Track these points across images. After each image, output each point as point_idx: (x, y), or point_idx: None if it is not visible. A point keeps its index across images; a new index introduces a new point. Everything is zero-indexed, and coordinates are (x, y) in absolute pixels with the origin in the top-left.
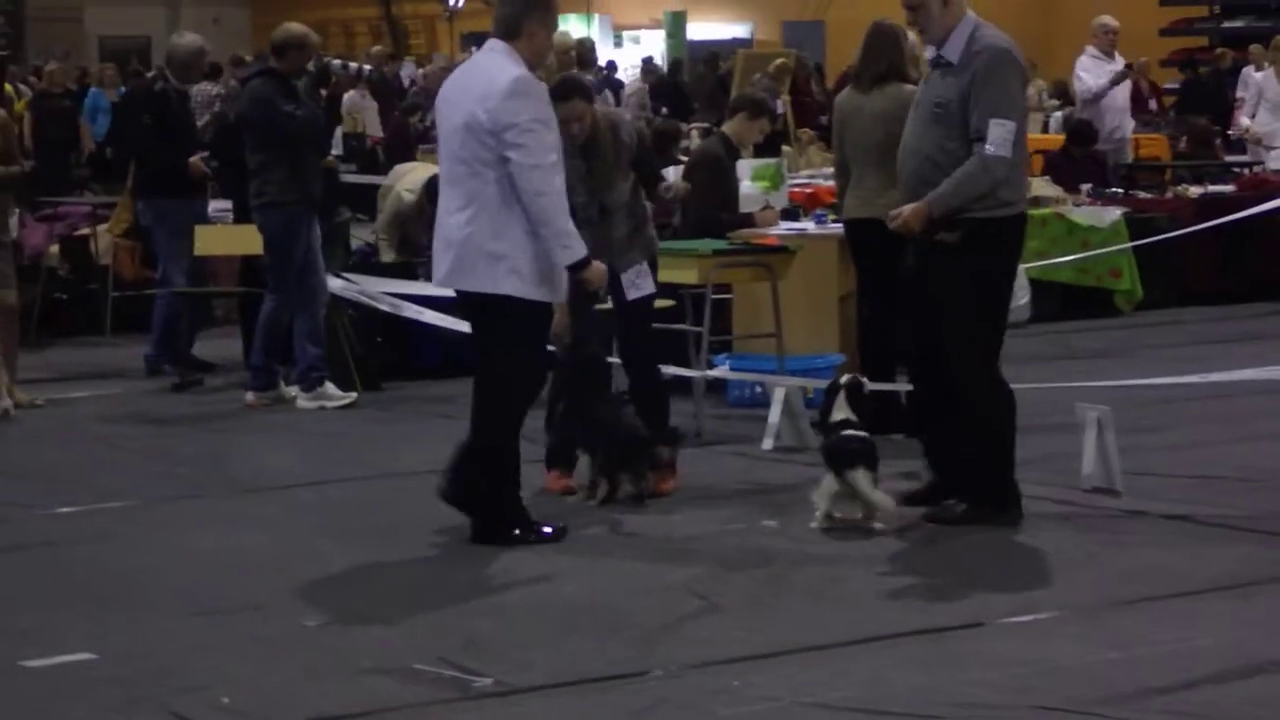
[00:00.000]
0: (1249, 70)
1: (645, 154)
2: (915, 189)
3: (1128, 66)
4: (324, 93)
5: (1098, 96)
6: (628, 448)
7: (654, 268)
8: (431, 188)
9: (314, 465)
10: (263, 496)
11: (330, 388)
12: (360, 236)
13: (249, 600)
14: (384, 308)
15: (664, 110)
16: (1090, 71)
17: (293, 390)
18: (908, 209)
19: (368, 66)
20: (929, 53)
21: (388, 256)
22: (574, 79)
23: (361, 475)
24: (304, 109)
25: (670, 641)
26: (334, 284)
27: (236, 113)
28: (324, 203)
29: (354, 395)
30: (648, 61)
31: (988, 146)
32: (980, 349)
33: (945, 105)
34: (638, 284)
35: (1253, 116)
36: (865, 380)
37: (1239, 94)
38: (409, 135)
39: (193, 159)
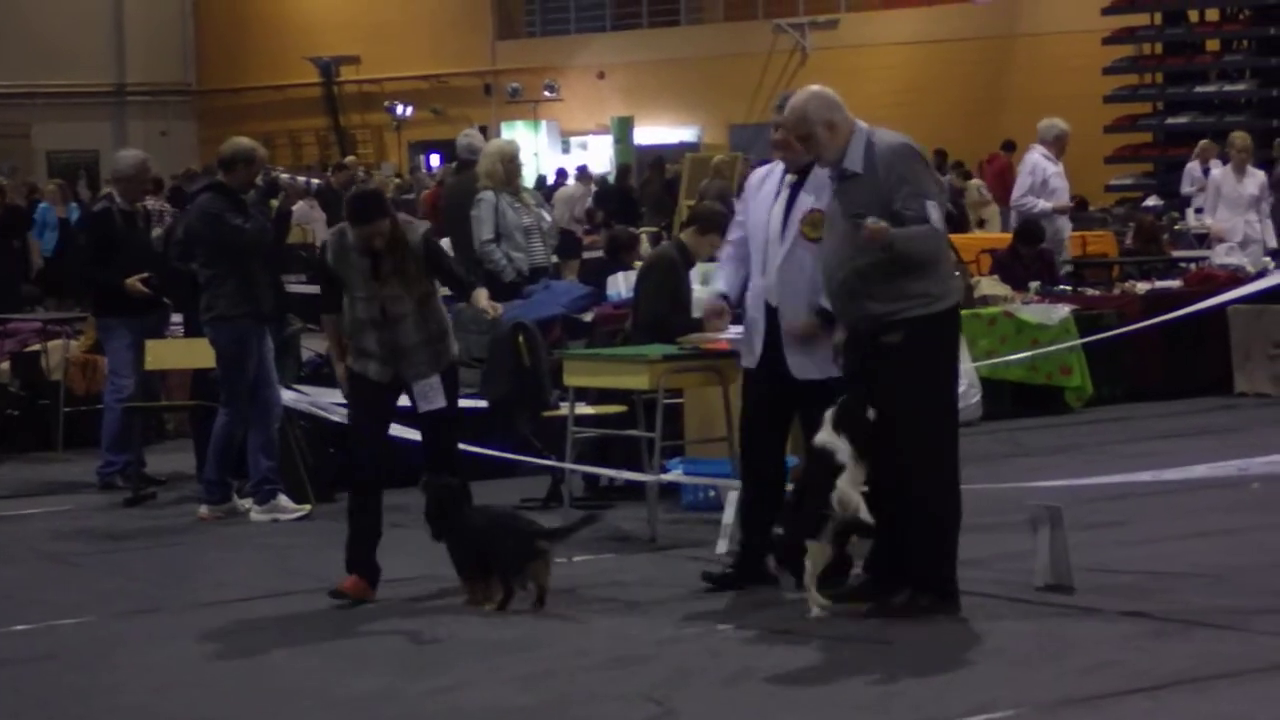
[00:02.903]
0: (1193, 166)
1: (439, 261)
2: (847, 303)
3: (1077, 201)
4: (274, 205)
5: (1039, 213)
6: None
7: (452, 381)
8: None
9: (269, 578)
10: (219, 610)
11: (283, 500)
12: (311, 347)
13: (207, 716)
14: (335, 419)
15: (604, 216)
16: (1038, 176)
17: (246, 503)
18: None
19: (315, 181)
20: (828, 172)
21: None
22: (370, 195)
23: (317, 587)
24: (252, 222)
25: None
26: (286, 395)
27: (185, 227)
28: (274, 315)
29: (308, 507)
30: (582, 170)
31: (931, 224)
32: (937, 446)
33: (863, 214)
34: (428, 397)
35: (1213, 213)
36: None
37: (1184, 189)
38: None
39: (129, 280)
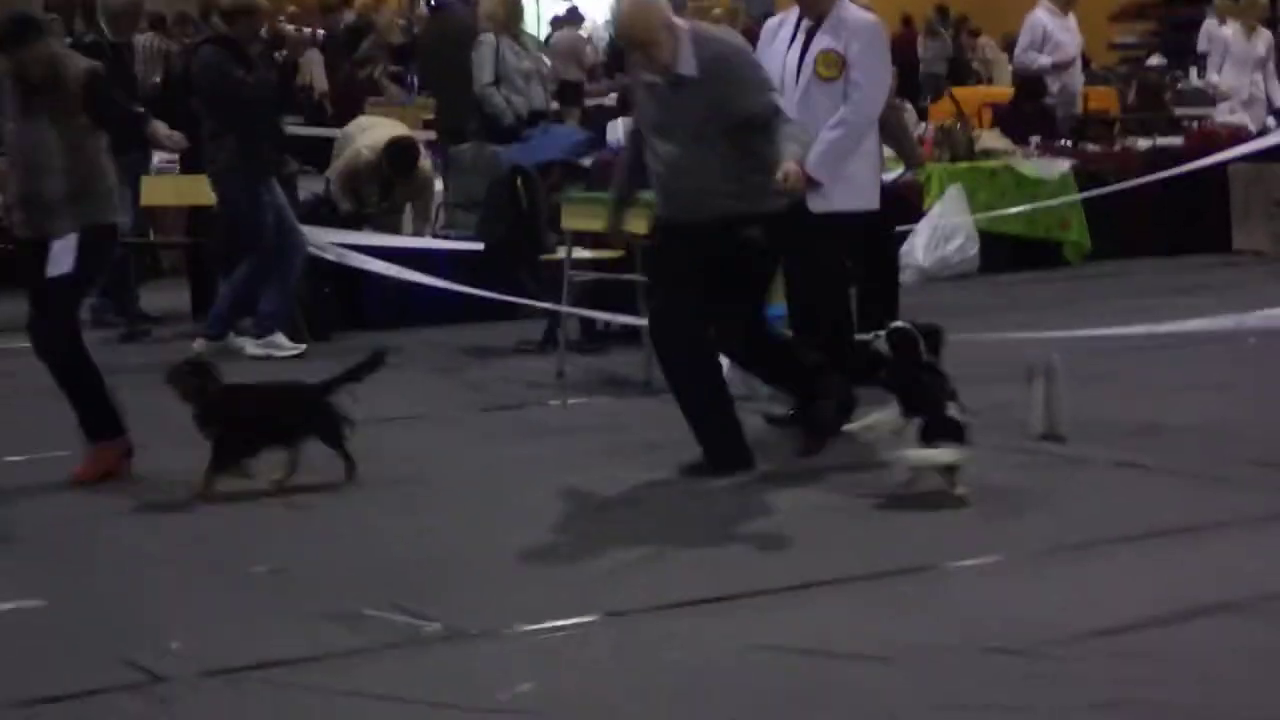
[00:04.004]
0: (1211, 24)
1: (103, 103)
2: (698, 203)
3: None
4: (279, 56)
5: (1038, 69)
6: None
7: (89, 244)
8: (392, 150)
9: None
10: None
11: (280, 338)
12: (307, 188)
13: (196, 548)
14: (331, 258)
15: (612, 68)
16: (1037, 33)
17: (242, 340)
18: (789, 169)
19: (321, 31)
20: (648, 78)
21: (345, 207)
22: (23, 17)
23: None
24: (255, 75)
25: (619, 588)
26: None
27: (189, 74)
28: (276, 168)
29: (303, 346)
30: (572, 11)
31: (785, 113)
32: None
33: (706, 119)
34: (57, 259)
35: (1219, 71)
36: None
37: (1201, 48)
38: (357, 88)
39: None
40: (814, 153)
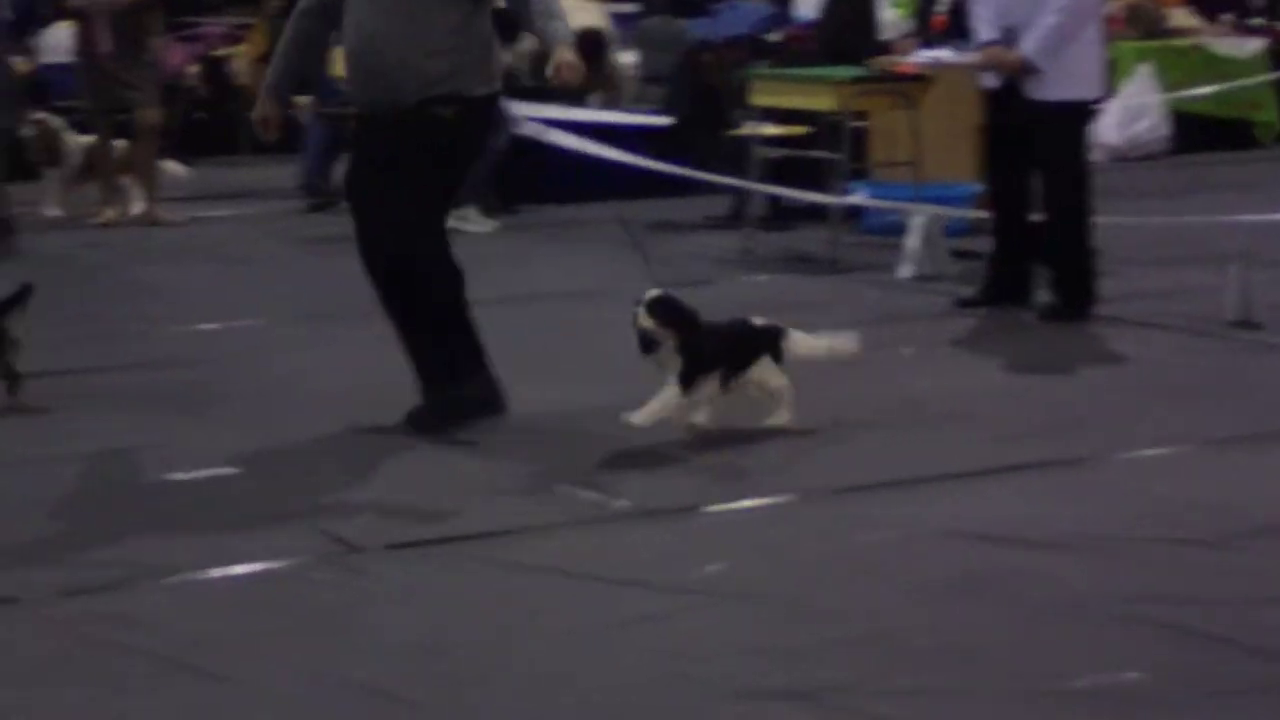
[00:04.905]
0: None
1: None
2: (396, 84)
3: None
4: None
5: None
6: None
7: None
8: (584, 38)
9: None
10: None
11: (473, 212)
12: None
13: (388, 419)
14: (523, 131)
15: None
16: None
17: None
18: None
19: None
20: None
21: (529, 83)
22: None
23: (499, 298)
24: None
25: (803, 468)
26: None
27: None
28: None
29: (494, 223)
30: None
31: None
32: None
33: None
34: None
35: None
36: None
37: None
38: None
39: None
40: (1032, 38)
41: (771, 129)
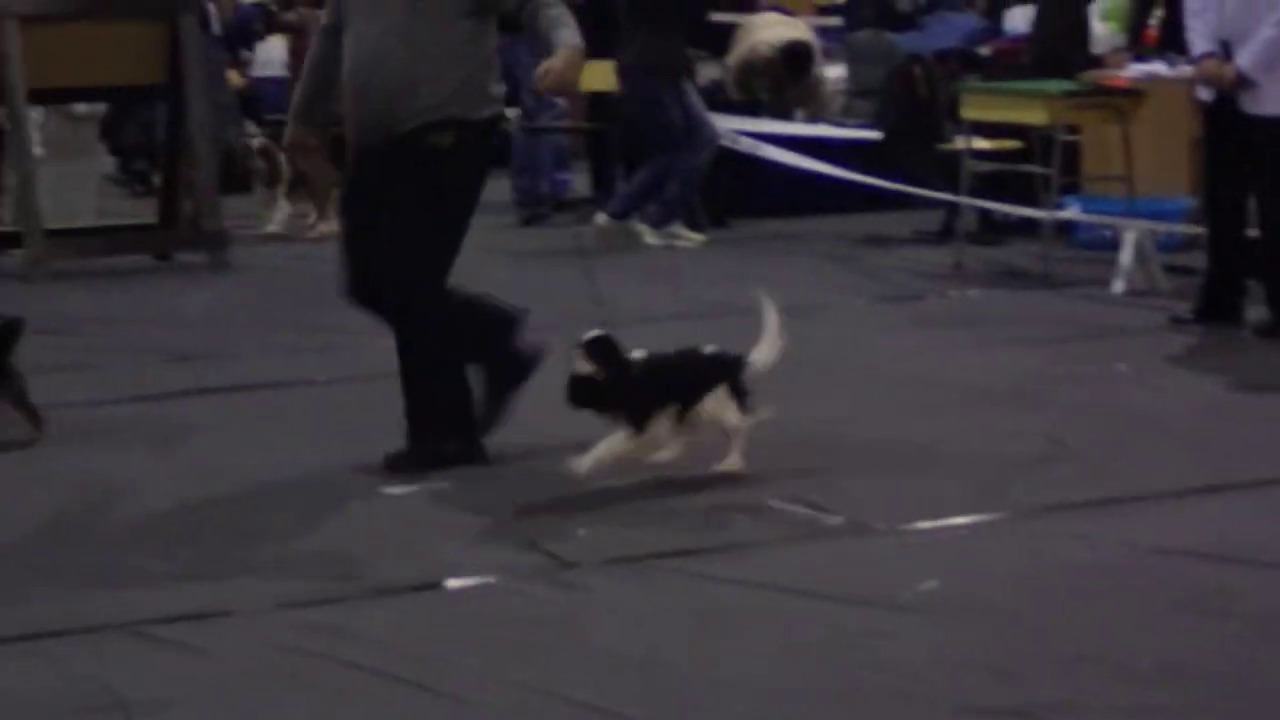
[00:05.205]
0: None
1: None
2: (399, 105)
3: None
4: None
5: None
6: None
7: None
8: (787, 52)
9: (657, 300)
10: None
11: (679, 227)
12: (705, 75)
13: (593, 434)
14: (733, 145)
15: None
16: None
17: (641, 227)
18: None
19: None
20: None
21: (736, 96)
22: None
23: (711, 312)
24: None
25: (1024, 484)
26: None
27: None
28: (684, 68)
29: (703, 237)
30: None
31: None
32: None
33: None
34: None
35: None
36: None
37: None
38: None
39: None
40: (1248, 51)
41: (982, 143)
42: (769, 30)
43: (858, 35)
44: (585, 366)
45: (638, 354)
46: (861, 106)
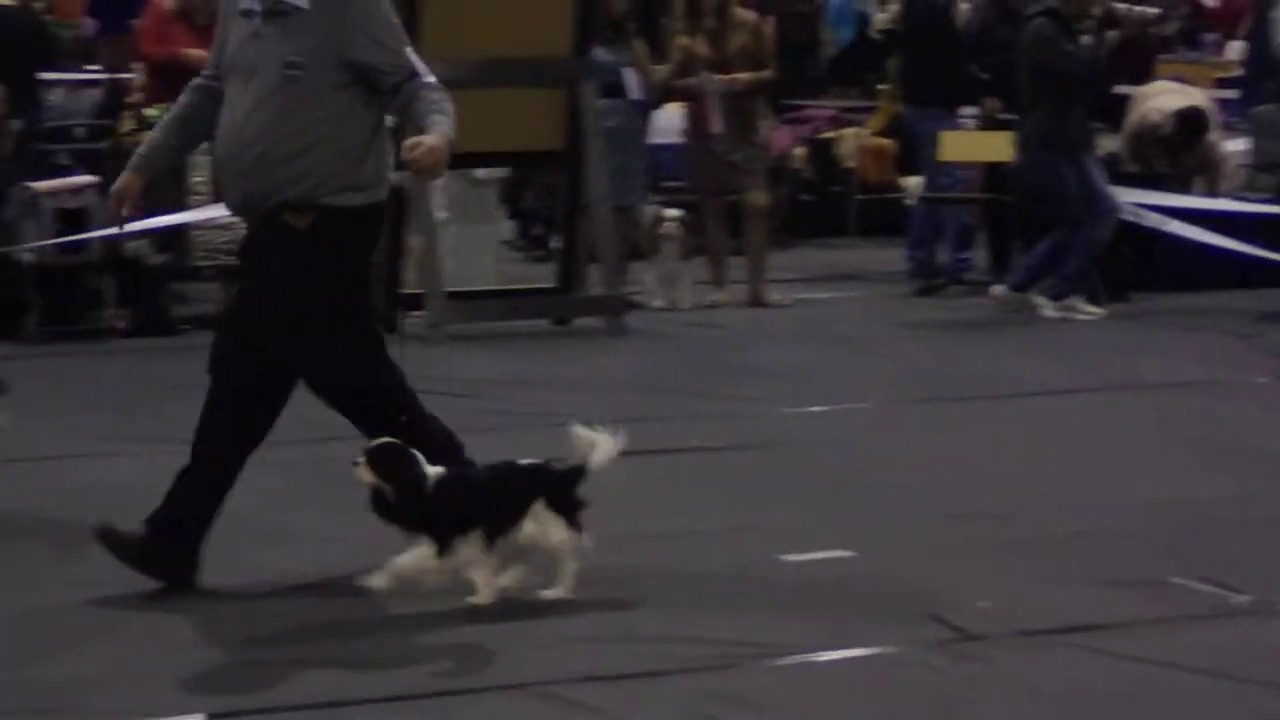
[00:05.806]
0: None
1: None
2: (259, 179)
3: None
4: (1108, 35)
5: None
6: None
7: None
8: (1179, 119)
9: (1054, 374)
10: (999, 404)
11: (1078, 301)
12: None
13: (994, 505)
14: (1130, 218)
15: None
16: None
17: (1040, 299)
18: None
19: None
20: (244, 3)
21: (1130, 168)
22: None
23: (1104, 385)
24: (1082, 51)
25: None
26: None
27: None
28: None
29: (1102, 310)
30: None
31: (426, 78)
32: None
33: (302, 65)
34: None
35: None
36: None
37: None
38: (1148, 44)
39: None
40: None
41: None
42: (1161, 98)
43: (1262, 109)
44: (367, 477)
45: (434, 471)
46: (1266, 181)
